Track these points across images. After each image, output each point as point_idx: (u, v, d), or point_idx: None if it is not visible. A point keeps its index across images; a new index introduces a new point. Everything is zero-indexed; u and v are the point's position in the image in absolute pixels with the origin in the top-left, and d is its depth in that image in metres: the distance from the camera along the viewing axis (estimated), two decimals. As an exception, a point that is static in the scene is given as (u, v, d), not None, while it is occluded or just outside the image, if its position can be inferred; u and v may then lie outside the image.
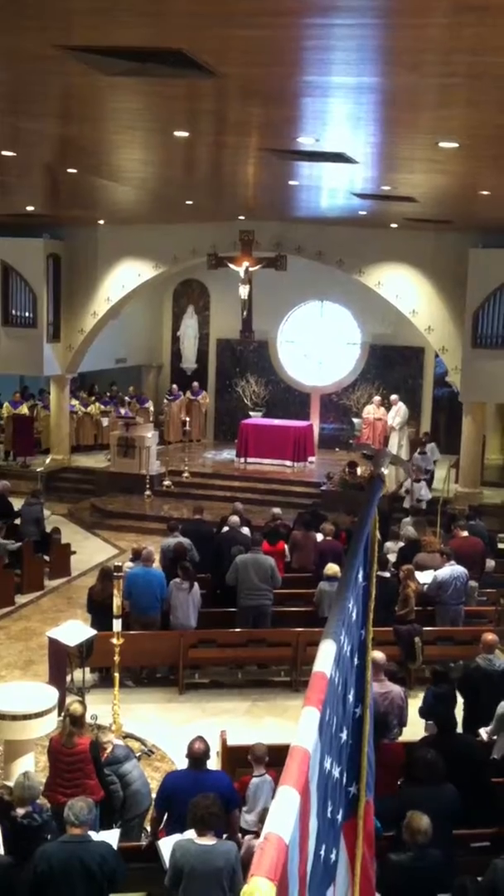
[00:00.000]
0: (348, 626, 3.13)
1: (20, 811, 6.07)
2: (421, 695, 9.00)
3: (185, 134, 9.23)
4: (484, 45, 5.37)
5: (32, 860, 5.50)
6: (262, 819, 6.29)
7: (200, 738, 6.74)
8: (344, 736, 3.20)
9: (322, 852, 2.71)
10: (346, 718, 3.26)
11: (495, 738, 8.09)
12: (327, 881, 2.92)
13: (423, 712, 8.54)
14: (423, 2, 4.73)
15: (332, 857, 2.96)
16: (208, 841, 5.55)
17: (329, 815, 2.86)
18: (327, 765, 2.74)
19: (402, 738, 8.08)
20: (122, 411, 22.21)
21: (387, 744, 7.41)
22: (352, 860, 3.34)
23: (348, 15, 5.06)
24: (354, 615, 3.32)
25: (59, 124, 9.57)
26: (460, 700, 8.82)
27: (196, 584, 11.08)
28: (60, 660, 10.06)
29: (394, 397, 20.10)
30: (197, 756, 6.59)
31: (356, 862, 3.39)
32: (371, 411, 20.43)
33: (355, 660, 3.40)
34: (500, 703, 8.10)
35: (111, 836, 6.35)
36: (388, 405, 20.07)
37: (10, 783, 6.74)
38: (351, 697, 3.34)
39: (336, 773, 3.00)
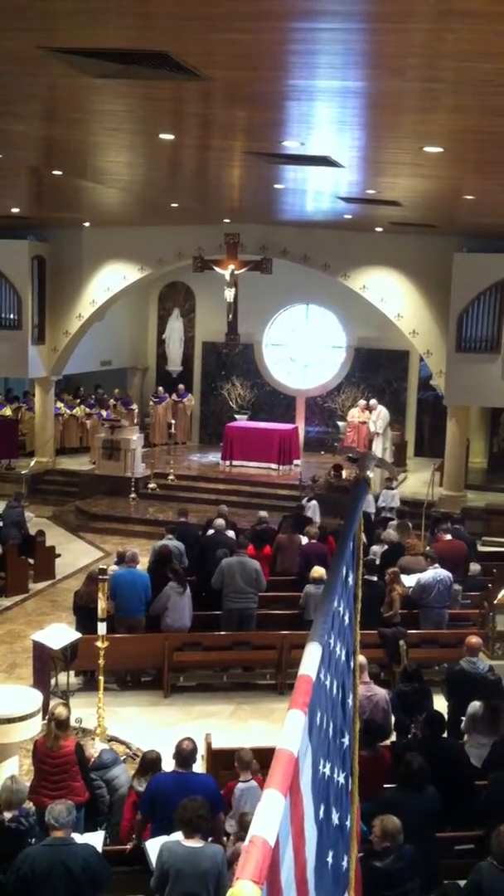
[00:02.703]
0: (340, 630, 3.12)
1: (7, 815, 6.05)
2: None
3: (170, 136, 9.23)
4: (468, 50, 5.39)
5: (15, 863, 5.48)
6: (241, 824, 6.30)
7: (188, 738, 6.74)
8: (346, 741, 3.19)
9: (330, 859, 2.69)
10: (347, 723, 3.25)
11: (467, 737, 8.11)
12: (341, 888, 2.91)
13: (396, 709, 8.55)
14: (407, 7, 4.75)
15: (344, 863, 2.94)
16: (196, 843, 5.55)
17: (336, 821, 2.84)
18: (326, 770, 2.72)
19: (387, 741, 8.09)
20: (104, 413, 22.16)
21: (380, 749, 7.41)
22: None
23: (333, 19, 5.08)
24: (347, 618, 3.31)
25: (44, 126, 9.55)
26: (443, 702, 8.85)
27: (188, 585, 11.10)
28: (45, 663, 10.02)
29: (373, 402, 20.10)
30: (185, 754, 6.58)
31: (352, 862, 3.39)
32: (356, 414, 20.47)
33: (350, 663, 3.40)
34: (471, 703, 8.13)
35: (95, 839, 6.34)
36: (371, 408, 20.10)
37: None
38: (350, 702, 3.33)
39: (340, 778, 2.98)
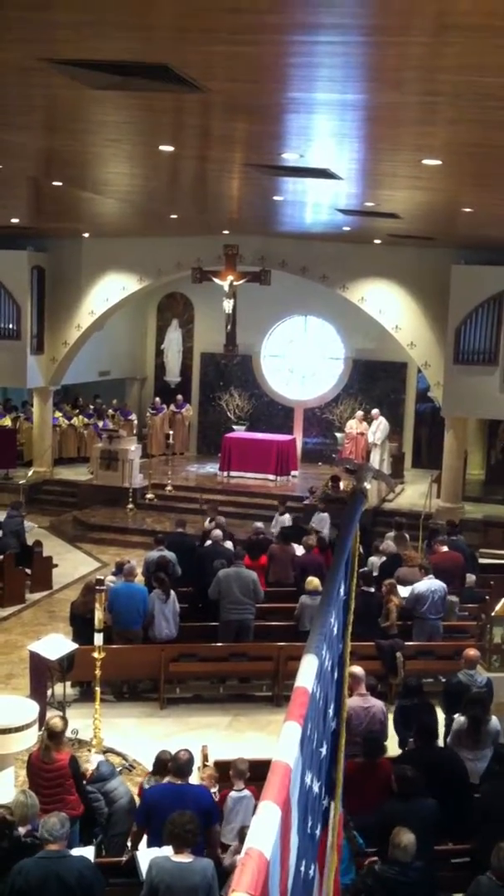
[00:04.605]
0: (330, 641, 3.13)
1: (22, 830, 6.02)
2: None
3: (170, 148, 9.25)
4: (466, 63, 5.42)
5: (10, 876, 5.45)
6: (241, 836, 6.27)
7: (185, 749, 6.73)
8: (324, 751, 3.20)
9: (302, 868, 2.70)
10: (326, 733, 3.26)
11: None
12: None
13: (398, 725, 8.52)
14: (406, 20, 4.77)
15: (311, 872, 2.95)
16: (185, 858, 5.50)
17: (309, 830, 2.85)
18: (308, 780, 2.73)
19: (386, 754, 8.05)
20: (101, 424, 22.17)
21: (379, 761, 7.37)
22: (321, 871, 3.33)
23: (333, 32, 5.10)
24: (336, 629, 3.32)
25: (44, 137, 9.58)
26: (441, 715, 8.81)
27: (173, 593, 11.07)
28: (41, 673, 9.99)
29: (374, 412, 20.15)
30: (181, 764, 6.55)
31: (328, 874, 3.38)
32: (354, 426, 20.49)
33: (335, 674, 3.40)
34: (457, 719, 8.09)
35: (86, 853, 6.30)
36: (369, 420, 20.14)
37: (3, 802, 6.67)
38: (331, 712, 3.34)
39: (316, 788, 2.99)
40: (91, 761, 7.75)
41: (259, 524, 14.53)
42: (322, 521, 15.00)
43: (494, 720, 7.99)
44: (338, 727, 3.51)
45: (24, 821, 6.08)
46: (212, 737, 9.48)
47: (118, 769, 8.34)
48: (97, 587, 9.27)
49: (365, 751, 7.20)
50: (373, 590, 11.11)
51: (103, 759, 7.68)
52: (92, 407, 23.46)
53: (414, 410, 22.17)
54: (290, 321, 23.40)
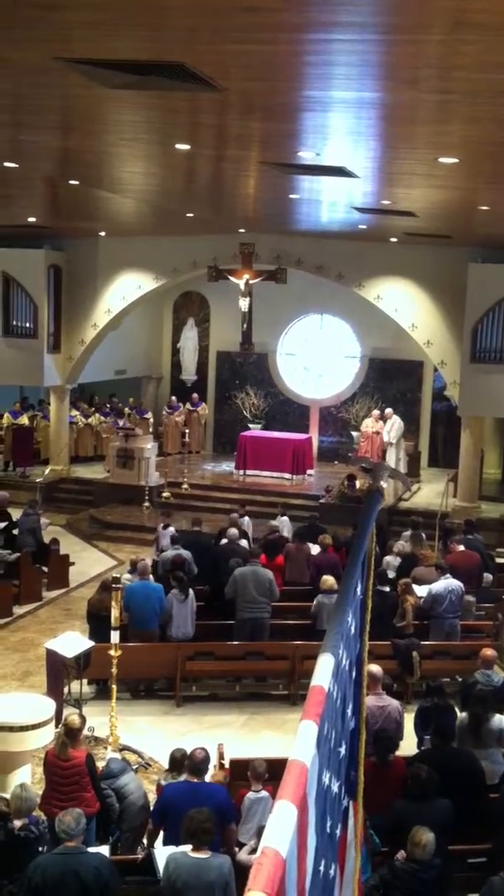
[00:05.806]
0: (347, 640, 3.12)
1: (17, 823, 6.06)
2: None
3: (186, 147, 9.27)
4: (482, 61, 5.40)
5: (27, 872, 5.48)
6: (259, 835, 6.27)
7: (201, 748, 6.74)
8: (342, 750, 3.19)
9: (322, 868, 2.69)
10: (345, 732, 3.25)
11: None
12: None
13: (417, 727, 8.50)
14: (422, 18, 4.76)
15: (332, 871, 2.94)
16: (202, 854, 5.53)
17: (328, 829, 2.84)
18: (326, 779, 2.72)
19: (400, 753, 8.03)
20: (121, 422, 22.24)
21: (392, 760, 7.36)
22: (341, 871, 3.33)
23: (349, 30, 5.10)
24: (353, 628, 3.32)
25: (61, 136, 9.61)
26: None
27: (191, 592, 11.08)
28: (58, 671, 10.03)
29: (388, 411, 20.09)
30: (197, 763, 6.56)
31: (353, 874, 3.37)
32: (369, 425, 20.43)
33: (353, 673, 3.39)
34: (460, 716, 8.04)
35: (102, 851, 6.32)
36: (385, 419, 20.08)
37: (6, 794, 6.72)
38: (349, 711, 3.34)
39: (335, 787, 2.99)
40: (106, 759, 7.77)
41: (275, 523, 14.52)
42: (283, 524, 14.98)
43: (498, 719, 7.91)
44: (357, 726, 3.51)
45: (20, 814, 6.10)
46: (227, 735, 9.49)
47: (134, 767, 8.36)
48: (113, 585, 9.29)
49: (376, 750, 7.18)
50: (388, 589, 11.08)
51: (113, 756, 7.70)
52: (108, 406, 23.53)
53: (430, 409, 22.11)
54: (305, 320, 23.38)
